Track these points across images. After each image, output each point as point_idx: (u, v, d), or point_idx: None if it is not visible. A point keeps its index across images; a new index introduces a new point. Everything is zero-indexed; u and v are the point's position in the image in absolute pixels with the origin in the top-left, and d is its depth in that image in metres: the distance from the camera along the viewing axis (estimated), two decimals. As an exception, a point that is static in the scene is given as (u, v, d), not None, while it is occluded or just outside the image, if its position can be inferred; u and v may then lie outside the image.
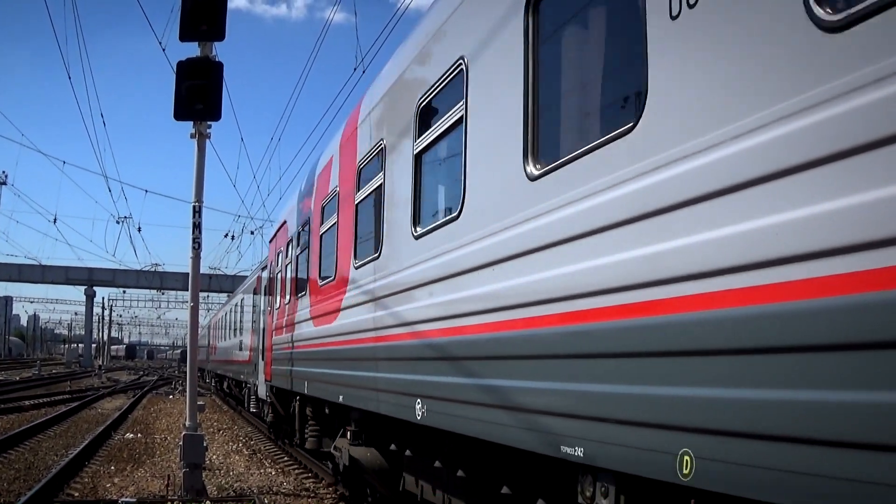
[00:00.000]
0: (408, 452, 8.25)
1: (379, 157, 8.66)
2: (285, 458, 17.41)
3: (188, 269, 12.86)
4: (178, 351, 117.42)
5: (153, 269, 77.51)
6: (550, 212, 4.65)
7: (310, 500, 12.57)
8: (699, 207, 3.41)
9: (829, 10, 2.86)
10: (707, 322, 3.35)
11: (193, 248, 12.68)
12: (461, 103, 6.14)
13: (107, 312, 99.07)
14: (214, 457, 16.92)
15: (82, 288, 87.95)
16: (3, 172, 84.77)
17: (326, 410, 11.71)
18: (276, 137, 54.17)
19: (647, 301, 3.73)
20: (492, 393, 5.44)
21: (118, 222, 50.17)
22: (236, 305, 29.79)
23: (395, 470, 9.06)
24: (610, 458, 4.05)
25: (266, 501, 12.05)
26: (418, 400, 6.81)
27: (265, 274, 20.15)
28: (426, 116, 7.18)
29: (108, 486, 13.15)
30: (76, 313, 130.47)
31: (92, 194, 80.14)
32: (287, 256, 15.72)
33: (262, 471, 15.57)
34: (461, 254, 5.98)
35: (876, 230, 2.61)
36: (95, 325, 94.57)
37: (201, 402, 16.59)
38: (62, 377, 56.72)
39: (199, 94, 11.69)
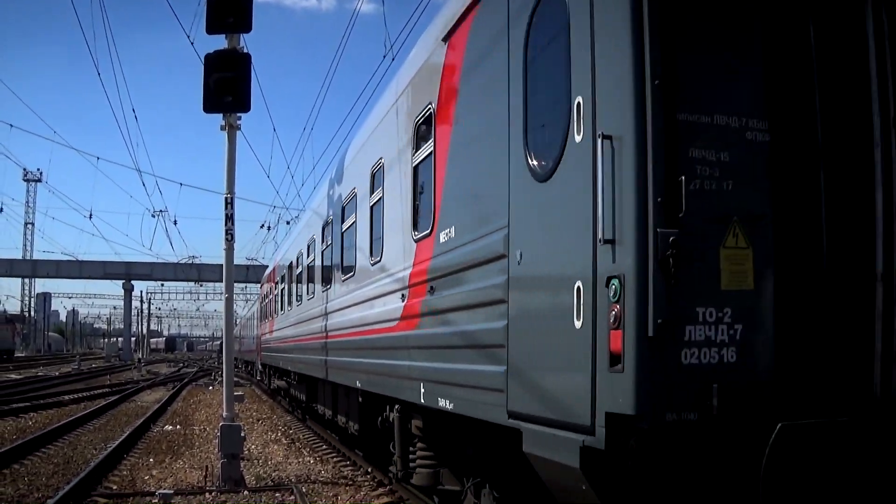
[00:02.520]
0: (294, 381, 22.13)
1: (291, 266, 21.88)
2: (324, 447, 17.48)
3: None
4: (218, 342, 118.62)
5: (190, 262, 78.24)
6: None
7: (348, 488, 12.59)
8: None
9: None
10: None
11: (227, 239, 12.76)
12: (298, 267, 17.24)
13: (145, 306, 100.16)
14: (253, 447, 17.03)
15: (120, 282, 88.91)
16: (38, 170, 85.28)
17: (274, 371, 28.22)
18: (308, 127, 54.49)
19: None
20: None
21: (154, 216, 50.47)
22: (251, 317, 45.60)
23: (288, 388, 24.19)
24: None
25: (304, 490, 12.06)
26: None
27: (257, 305, 39.83)
28: (309, 248, 17.14)
29: (146, 478, 13.25)
30: (115, 307, 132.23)
31: (127, 189, 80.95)
32: (262, 301, 35.01)
33: (300, 460, 15.62)
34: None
35: None
36: (134, 318, 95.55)
37: (240, 393, 16.73)
38: (102, 371, 57.43)
39: (227, 87, 11.73)
